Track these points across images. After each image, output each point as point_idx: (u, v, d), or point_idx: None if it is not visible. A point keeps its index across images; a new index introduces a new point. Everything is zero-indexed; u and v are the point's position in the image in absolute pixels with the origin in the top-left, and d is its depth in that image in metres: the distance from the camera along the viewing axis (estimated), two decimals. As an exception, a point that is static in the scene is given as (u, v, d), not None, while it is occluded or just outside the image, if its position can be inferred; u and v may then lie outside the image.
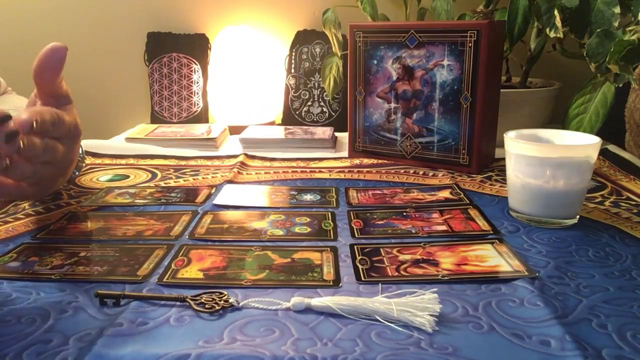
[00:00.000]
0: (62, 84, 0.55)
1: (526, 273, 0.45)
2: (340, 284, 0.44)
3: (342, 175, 0.75)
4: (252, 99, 1.24)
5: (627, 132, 0.88)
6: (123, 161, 0.84)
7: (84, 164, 0.72)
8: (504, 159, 0.58)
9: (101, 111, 1.39)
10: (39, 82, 0.54)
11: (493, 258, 0.48)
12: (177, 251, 0.50)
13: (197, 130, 1.02)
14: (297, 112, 1.26)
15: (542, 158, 0.53)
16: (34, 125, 0.47)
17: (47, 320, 0.39)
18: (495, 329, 0.37)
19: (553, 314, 0.39)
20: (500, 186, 0.69)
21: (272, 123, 1.29)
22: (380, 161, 0.82)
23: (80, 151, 0.67)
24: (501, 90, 0.80)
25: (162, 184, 0.72)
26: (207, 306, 0.40)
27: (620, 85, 0.73)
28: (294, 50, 1.26)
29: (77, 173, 0.69)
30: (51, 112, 0.50)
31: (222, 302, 0.40)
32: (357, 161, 0.83)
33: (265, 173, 0.77)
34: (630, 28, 0.71)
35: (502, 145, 0.58)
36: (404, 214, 0.59)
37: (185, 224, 0.57)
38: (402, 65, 0.77)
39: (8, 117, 0.45)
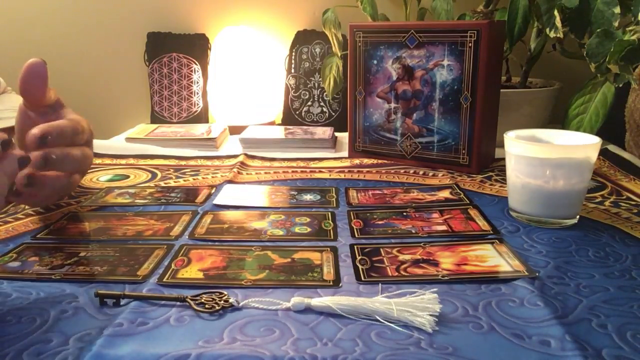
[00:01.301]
0: (50, 93, 0.55)
1: (526, 273, 0.45)
2: (340, 284, 0.44)
3: (342, 175, 0.75)
4: (252, 99, 1.24)
5: (627, 132, 0.88)
6: (123, 161, 0.84)
7: None
8: (504, 159, 0.58)
9: (101, 111, 1.39)
10: (29, 99, 0.54)
11: (493, 258, 0.48)
12: (177, 251, 0.50)
13: (197, 130, 1.02)
14: (297, 112, 1.26)
15: (542, 158, 0.53)
16: (49, 138, 0.48)
17: (47, 320, 0.39)
18: (495, 329, 0.37)
19: (553, 314, 0.39)
20: (500, 186, 0.69)
21: (272, 123, 1.29)
22: (380, 161, 0.82)
23: None
24: (501, 90, 0.80)
25: (162, 184, 0.72)
26: (207, 306, 0.40)
27: (620, 85, 0.73)
28: (294, 50, 1.26)
29: None
30: (71, 124, 0.52)
31: (222, 302, 0.40)
32: (357, 161, 0.83)
33: (265, 173, 0.77)
34: (630, 28, 0.71)
35: (502, 145, 0.58)
36: (404, 214, 0.59)
37: (185, 224, 0.57)
38: (402, 65, 0.77)
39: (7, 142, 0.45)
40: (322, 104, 1.25)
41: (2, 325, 0.38)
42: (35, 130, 0.48)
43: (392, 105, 0.79)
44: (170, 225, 0.57)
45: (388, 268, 0.46)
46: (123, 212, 0.61)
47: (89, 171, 0.78)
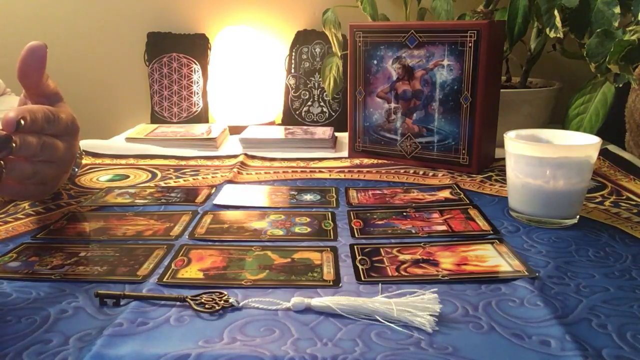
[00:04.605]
0: (48, 82, 0.55)
1: (526, 273, 0.45)
2: (340, 284, 0.44)
3: (342, 175, 0.75)
4: (252, 99, 1.24)
5: (627, 132, 0.88)
6: (123, 161, 0.84)
7: (81, 161, 0.72)
8: (504, 159, 0.58)
9: (101, 111, 1.39)
10: (25, 83, 0.54)
11: (493, 258, 0.48)
12: (177, 251, 0.50)
13: (197, 130, 1.02)
14: (297, 112, 1.26)
15: (542, 158, 0.53)
16: (22, 123, 0.47)
17: (47, 320, 0.39)
18: (495, 329, 0.37)
19: (553, 314, 0.39)
20: (500, 186, 0.69)
21: (272, 123, 1.29)
22: (380, 161, 0.82)
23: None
24: (501, 90, 0.80)
25: (162, 184, 0.72)
26: (207, 306, 0.40)
27: (620, 85, 0.73)
28: (294, 50, 1.26)
29: (76, 170, 0.69)
30: (44, 110, 0.50)
31: (222, 302, 0.40)
32: (357, 161, 0.83)
33: (265, 173, 0.77)
34: (630, 28, 0.71)
35: (502, 145, 0.58)
36: (404, 214, 0.59)
37: (185, 224, 0.57)
38: (402, 65, 0.77)
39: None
40: (322, 104, 1.25)
41: (2, 325, 0.38)
42: (12, 114, 0.46)
43: (392, 105, 0.79)
44: (170, 225, 0.57)
45: (388, 268, 0.46)
46: (123, 212, 0.61)
47: (90, 171, 0.78)
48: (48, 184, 0.55)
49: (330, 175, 0.76)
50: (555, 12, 0.76)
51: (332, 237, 0.53)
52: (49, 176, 0.53)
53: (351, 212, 0.60)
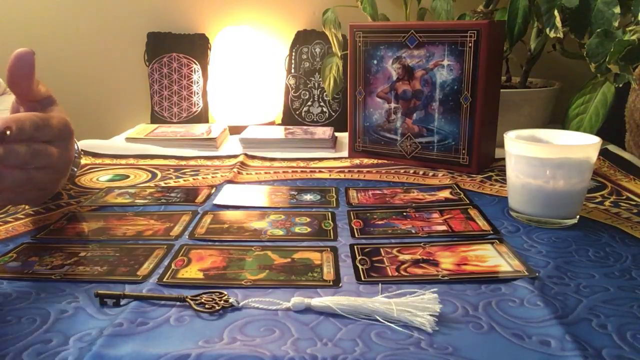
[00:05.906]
0: (39, 87, 0.54)
1: (526, 273, 0.45)
2: (340, 284, 0.44)
3: (342, 175, 0.75)
4: (252, 99, 1.24)
5: (627, 132, 0.88)
6: (123, 161, 0.84)
7: (80, 161, 0.72)
8: (504, 159, 0.58)
9: (101, 111, 1.39)
10: (16, 91, 0.53)
11: (493, 258, 0.48)
12: (177, 251, 0.50)
13: (197, 130, 1.02)
14: (297, 112, 1.26)
15: (542, 158, 0.53)
16: (8, 133, 0.46)
17: (47, 320, 0.39)
18: (495, 329, 0.37)
19: (553, 314, 0.39)
20: (500, 186, 0.69)
21: (272, 123, 1.29)
22: (380, 161, 0.82)
23: (76, 147, 0.67)
24: (501, 90, 0.80)
25: (162, 184, 0.72)
26: (207, 306, 0.40)
27: (620, 85, 0.73)
28: (294, 50, 1.26)
29: (75, 170, 0.69)
30: (31, 118, 0.49)
31: (222, 302, 0.40)
32: (357, 161, 0.83)
33: (265, 173, 0.77)
34: (630, 28, 0.71)
35: (502, 145, 0.58)
36: (404, 214, 0.59)
37: (185, 224, 0.57)
38: (402, 65, 0.77)
39: None
40: (322, 104, 1.25)
41: (2, 325, 0.38)
42: None
43: (392, 105, 0.79)
44: (170, 225, 0.57)
45: (388, 268, 0.46)
46: (123, 212, 0.61)
47: (90, 171, 0.78)
48: (47, 189, 0.55)
49: (330, 175, 0.76)
50: (555, 12, 0.76)
51: (332, 237, 0.53)
52: (46, 182, 0.52)
53: (351, 212, 0.60)
